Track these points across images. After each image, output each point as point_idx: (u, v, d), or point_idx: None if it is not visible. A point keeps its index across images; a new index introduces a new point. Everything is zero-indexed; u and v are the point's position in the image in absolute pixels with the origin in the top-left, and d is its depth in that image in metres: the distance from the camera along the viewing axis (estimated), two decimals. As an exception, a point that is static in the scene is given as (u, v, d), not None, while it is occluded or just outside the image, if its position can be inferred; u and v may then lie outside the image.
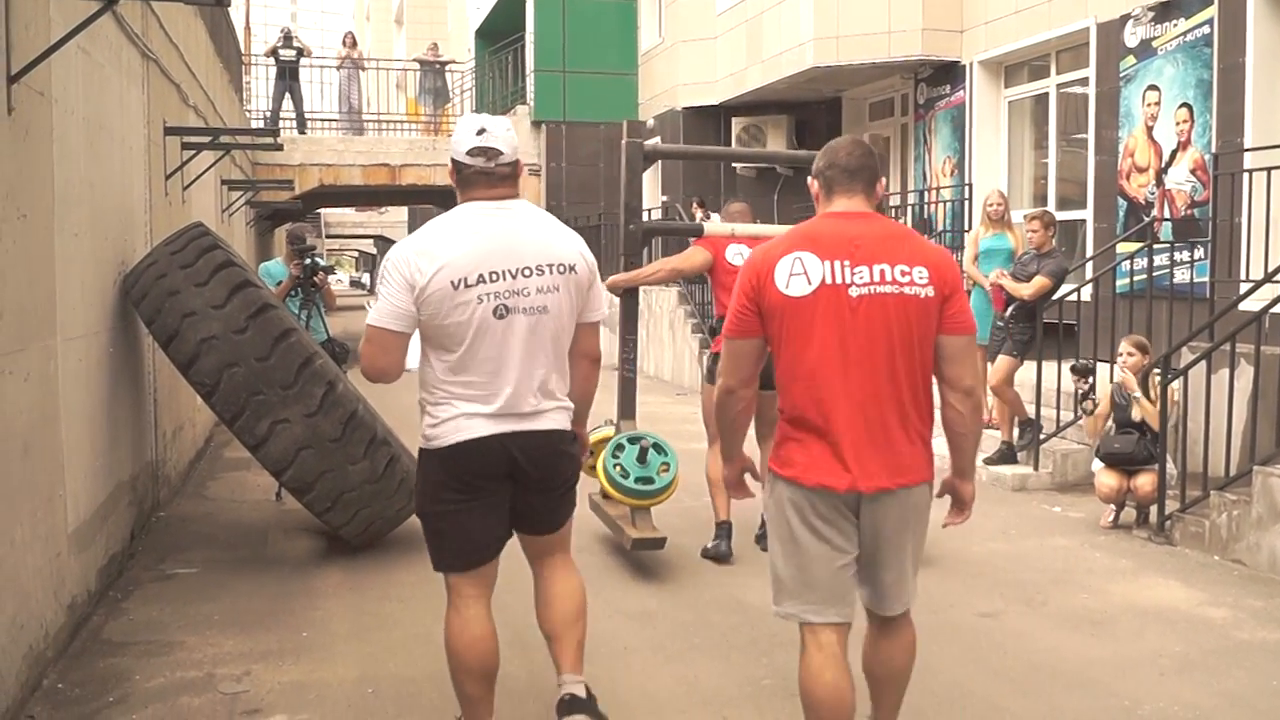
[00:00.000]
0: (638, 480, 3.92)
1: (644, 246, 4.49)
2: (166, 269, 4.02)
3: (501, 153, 2.36)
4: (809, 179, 2.37)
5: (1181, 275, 6.29)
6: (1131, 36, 7.04)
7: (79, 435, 3.52)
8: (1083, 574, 4.14)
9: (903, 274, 2.15)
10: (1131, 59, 7.02)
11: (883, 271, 2.15)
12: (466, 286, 2.29)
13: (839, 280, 2.14)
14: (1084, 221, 7.59)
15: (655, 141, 12.07)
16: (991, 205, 6.47)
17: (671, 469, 3.99)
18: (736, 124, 11.73)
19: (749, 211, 4.57)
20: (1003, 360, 5.75)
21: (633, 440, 3.98)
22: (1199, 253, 6.28)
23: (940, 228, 9.07)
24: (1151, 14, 6.85)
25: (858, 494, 2.16)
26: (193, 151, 5.95)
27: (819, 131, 11.64)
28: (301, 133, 13.58)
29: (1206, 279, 6.09)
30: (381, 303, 2.32)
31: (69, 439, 3.37)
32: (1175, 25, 6.67)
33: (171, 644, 3.33)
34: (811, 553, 2.20)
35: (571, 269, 2.41)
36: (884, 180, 2.38)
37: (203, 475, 6.17)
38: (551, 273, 2.37)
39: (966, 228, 8.48)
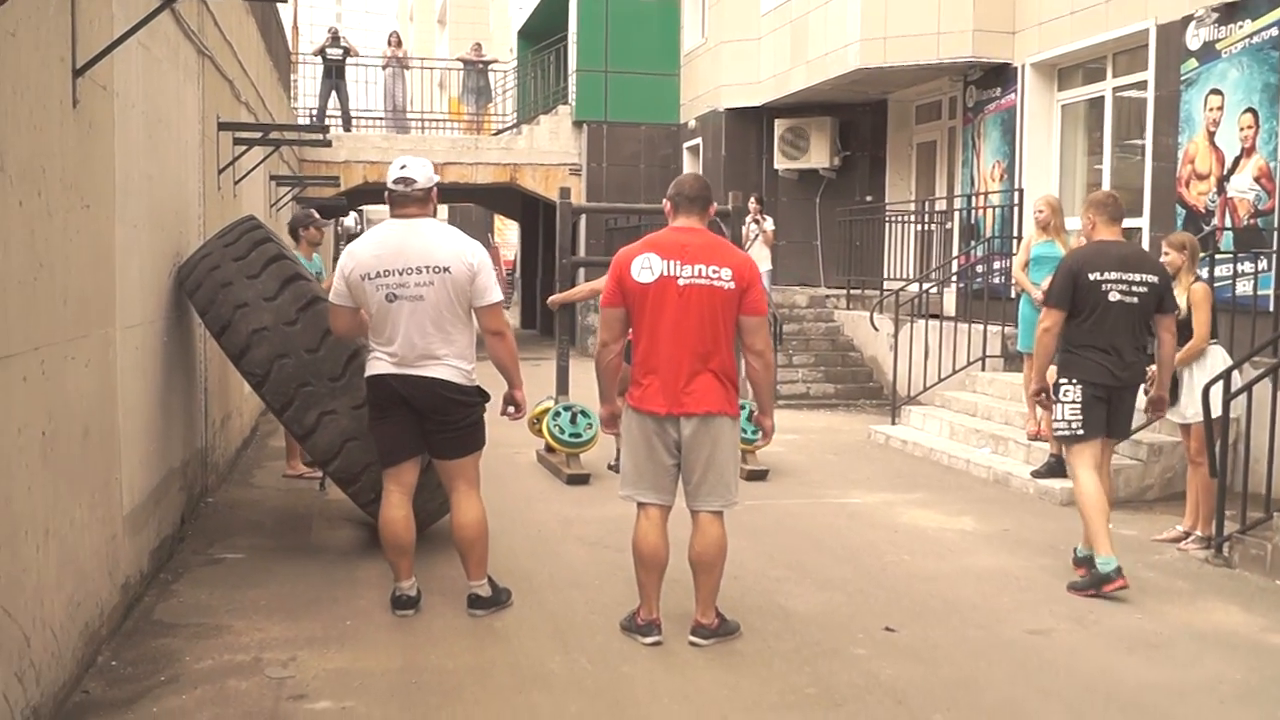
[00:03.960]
0: (570, 435, 5.79)
1: (573, 276, 6.40)
2: (220, 261, 4.09)
3: (415, 181, 3.40)
4: (664, 200, 3.37)
5: (1244, 287, 6.09)
6: (1194, 38, 6.84)
7: (135, 421, 3.58)
8: (1135, 593, 4.00)
9: (714, 272, 3.19)
10: (1193, 62, 6.82)
11: (701, 269, 3.19)
12: (370, 279, 3.37)
13: (672, 273, 3.19)
14: (1140, 230, 7.39)
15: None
16: (1037, 212, 6.33)
17: (594, 427, 5.79)
18: (779, 125, 11.63)
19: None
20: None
21: (566, 409, 5.91)
22: (1262, 264, 6.07)
23: (988, 233, 8.90)
24: (1216, 15, 6.64)
25: (676, 417, 3.21)
26: (244, 147, 6.05)
27: (864, 134, 11.52)
28: (347, 130, 13.76)
29: (1270, 291, 5.90)
30: (333, 286, 3.49)
31: (125, 424, 3.43)
32: (1241, 27, 6.46)
33: (220, 627, 3.38)
34: (645, 455, 3.27)
35: (446, 270, 3.35)
36: (715, 204, 3.38)
37: (249, 463, 6.28)
38: (428, 272, 3.34)
39: (1015, 234, 8.31)
